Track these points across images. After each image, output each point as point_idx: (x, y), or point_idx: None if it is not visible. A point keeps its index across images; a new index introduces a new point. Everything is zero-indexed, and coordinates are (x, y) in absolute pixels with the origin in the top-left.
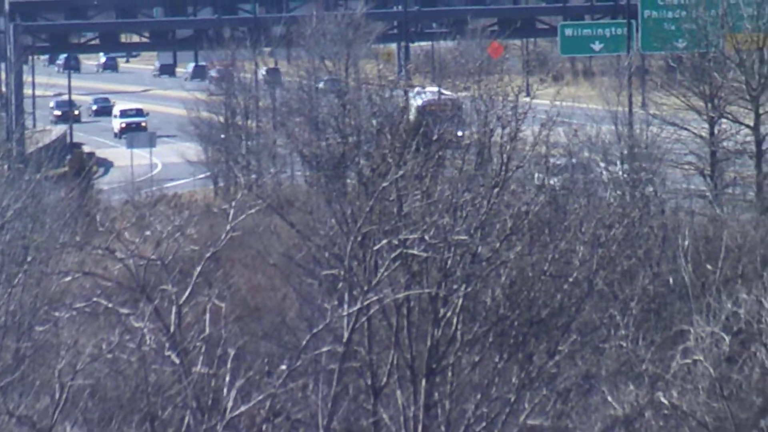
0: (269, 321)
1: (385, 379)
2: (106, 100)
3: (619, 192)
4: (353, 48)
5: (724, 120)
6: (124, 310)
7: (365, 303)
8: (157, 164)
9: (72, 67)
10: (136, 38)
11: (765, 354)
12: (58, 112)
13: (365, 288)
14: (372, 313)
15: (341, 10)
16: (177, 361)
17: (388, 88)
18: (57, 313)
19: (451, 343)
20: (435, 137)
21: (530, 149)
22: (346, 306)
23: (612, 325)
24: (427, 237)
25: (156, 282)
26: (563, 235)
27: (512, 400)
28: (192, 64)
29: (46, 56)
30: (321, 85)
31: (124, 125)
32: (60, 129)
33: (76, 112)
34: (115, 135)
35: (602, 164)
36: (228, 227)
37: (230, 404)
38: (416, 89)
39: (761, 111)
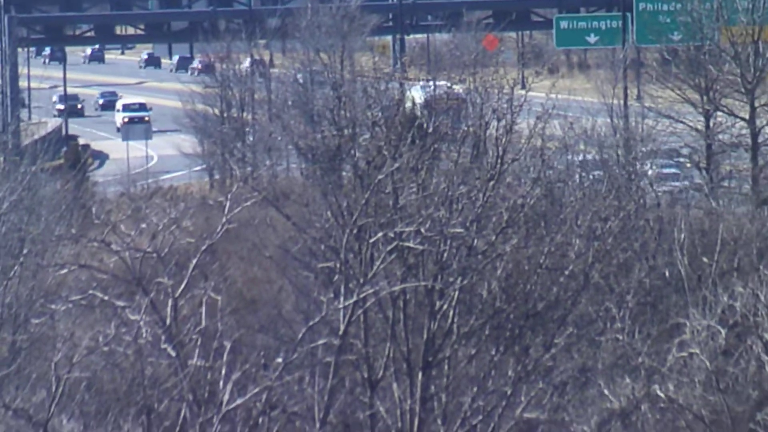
0: (265, 314)
1: (381, 372)
2: (113, 93)
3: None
4: (348, 40)
5: (719, 113)
6: (120, 303)
7: (361, 296)
8: (153, 156)
9: (58, 58)
10: (131, 30)
11: (761, 347)
12: (60, 106)
13: (361, 281)
14: (368, 306)
15: (336, 2)
16: (173, 353)
17: (384, 80)
18: (53, 306)
19: (448, 336)
20: (430, 129)
21: (526, 142)
22: (342, 299)
23: (608, 318)
24: (423, 230)
25: (152, 274)
26: (559, 228)
27: (509, 393)
28: (177, 56)
29: (33, 48)
30: (299, 77)
31: (126, 119)
32: (56, 121)
33: (79, 106)
34: (118, 129)
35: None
36: (224, 220)
37: (226, 397)
38: (420, 83)
39: (756, 104)
